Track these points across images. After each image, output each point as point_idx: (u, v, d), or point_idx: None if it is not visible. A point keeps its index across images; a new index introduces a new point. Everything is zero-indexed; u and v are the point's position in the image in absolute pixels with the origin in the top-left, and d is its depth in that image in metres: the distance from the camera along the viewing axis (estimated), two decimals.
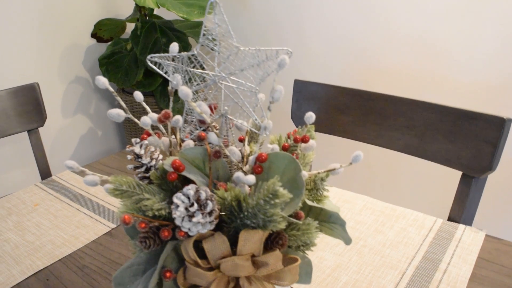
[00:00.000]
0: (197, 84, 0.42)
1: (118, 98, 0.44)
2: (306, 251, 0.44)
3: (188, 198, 0.37)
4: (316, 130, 1.02)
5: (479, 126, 0.71)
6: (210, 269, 0.39)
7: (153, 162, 0.45)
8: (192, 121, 0.45)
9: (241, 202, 0.38)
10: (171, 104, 0.45)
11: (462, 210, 0.75)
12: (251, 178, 0.38)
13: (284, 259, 0.40)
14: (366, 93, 0.88)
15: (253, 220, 0.37)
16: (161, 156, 0.46)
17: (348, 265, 0.67)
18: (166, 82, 1.56)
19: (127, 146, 0.45)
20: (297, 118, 1.05)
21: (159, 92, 1.52)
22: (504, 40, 1.37)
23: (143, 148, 0.45)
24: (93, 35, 1.69)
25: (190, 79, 0.42)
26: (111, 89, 0.42)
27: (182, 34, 1.42)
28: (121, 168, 1.01)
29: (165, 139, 0.50)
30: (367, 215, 0.80)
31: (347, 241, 0.46)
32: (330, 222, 0.46)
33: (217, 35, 0.39)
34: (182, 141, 0.50)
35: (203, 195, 0.37)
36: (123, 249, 0.72)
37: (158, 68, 0.42)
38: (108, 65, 1.54)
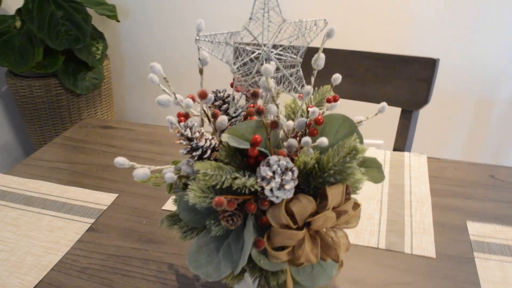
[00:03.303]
0: (244, 59, 0.43)
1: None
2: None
3: (279, 168, 0.39)
4: None
5: (414, 68, 0.83)
6: (298, 228, 0.42)
7: (208, 143, 0.45)
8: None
9: (321, 163, 0.41)
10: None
11: (404, 140, 0.89)
12: (325, 140, 0.42)
13: None
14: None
15: (337, 176, 0.41)
16: (210, 136, 0.46)
17: None
18: (68, 60, 1.38)
19: (176, 131, 0.43)
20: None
21: (62, 71, 1.35)
22: None
23: (193, 131, 0.44)
24: None
25: (239, 55, 0.43)
26: (163, 74, 0.40)
27: (79, 4, 1.27)
28: (60, 160, 0.92)
29: (196, 118, 0.50)
30: None
31: (378, 179, 0.53)
32: (364, 166, 0.52)
33: (268, 10, 0.41)
34: (215, 117, 0.50)
35: (290, 164, 0.40)
36: (117, 240, 0.69)
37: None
38: None
